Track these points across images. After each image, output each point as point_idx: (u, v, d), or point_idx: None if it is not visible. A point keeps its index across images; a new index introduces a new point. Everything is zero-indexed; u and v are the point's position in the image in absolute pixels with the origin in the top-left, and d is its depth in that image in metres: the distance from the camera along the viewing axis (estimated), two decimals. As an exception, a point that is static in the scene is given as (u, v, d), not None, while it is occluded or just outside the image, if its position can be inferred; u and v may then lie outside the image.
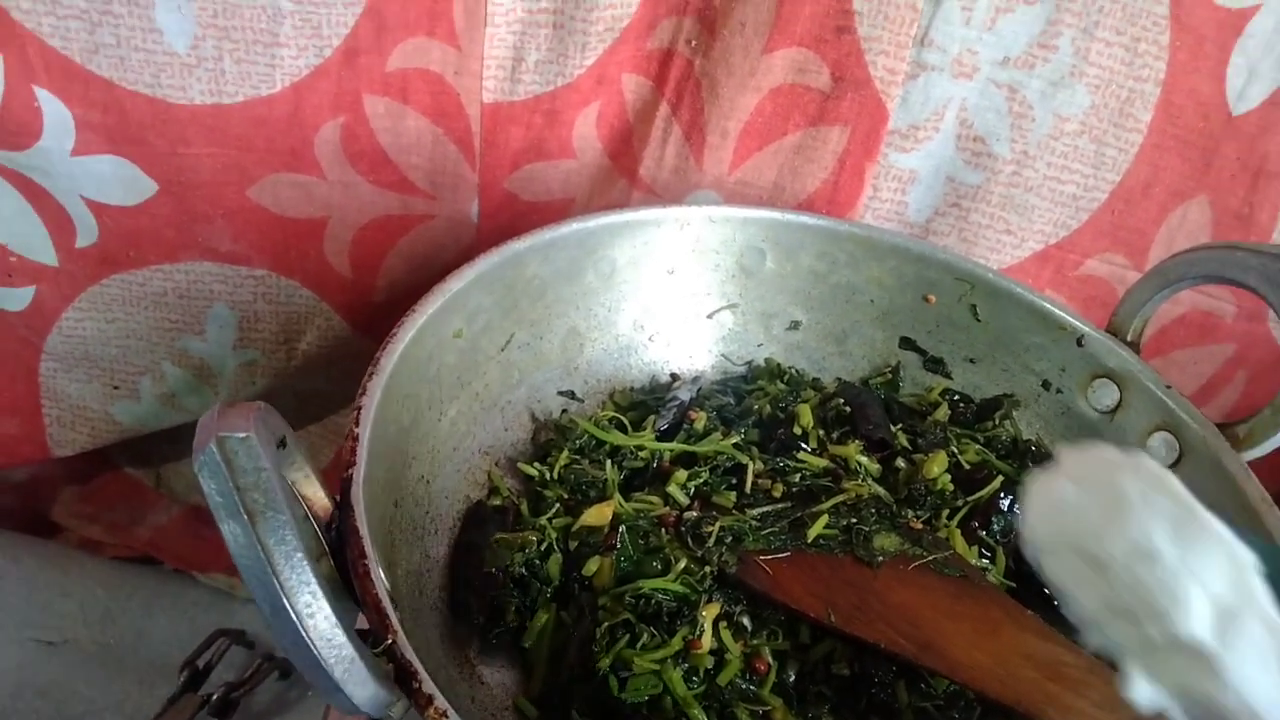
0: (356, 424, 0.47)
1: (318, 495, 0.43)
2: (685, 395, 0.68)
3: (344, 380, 0.83)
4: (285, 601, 0.33)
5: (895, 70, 0.72)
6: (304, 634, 0.34)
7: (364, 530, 0.41)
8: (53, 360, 0.78)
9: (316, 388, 0.83)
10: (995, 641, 0.50)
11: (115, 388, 0.80)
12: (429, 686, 0.37)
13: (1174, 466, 0.62)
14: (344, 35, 0.67)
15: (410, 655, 0.38)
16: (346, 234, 0.76)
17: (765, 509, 0.59)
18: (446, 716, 0.36)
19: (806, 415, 0.65)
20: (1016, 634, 0.51)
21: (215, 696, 0.73)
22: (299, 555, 0.34)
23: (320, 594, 0.34)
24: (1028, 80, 0.73)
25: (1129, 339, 0.67)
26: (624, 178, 0.78)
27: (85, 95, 0.65)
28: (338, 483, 0.44)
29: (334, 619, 0.34)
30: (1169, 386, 0.64)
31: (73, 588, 0.81)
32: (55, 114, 0.65)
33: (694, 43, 0.74)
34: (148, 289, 0.75)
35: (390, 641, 0.38)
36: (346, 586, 0.41)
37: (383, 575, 0.41)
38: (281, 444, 0.40)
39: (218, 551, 0.85)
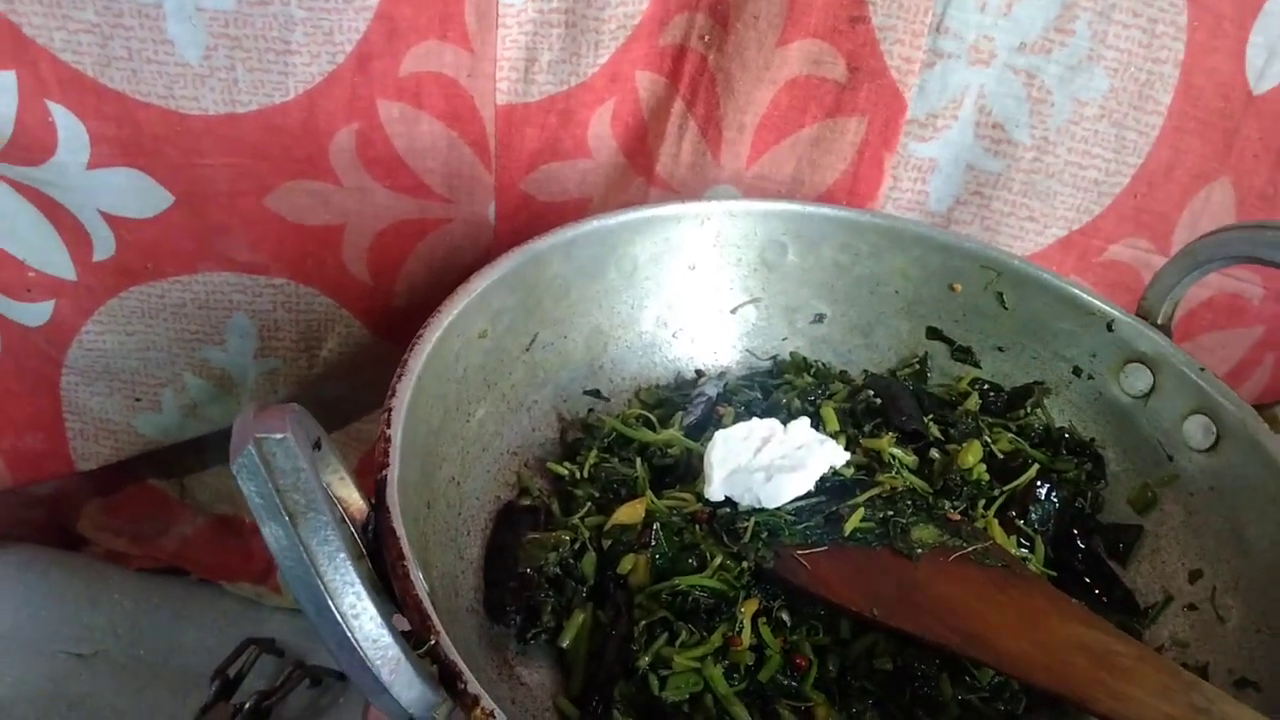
0: (388, 425, 0.46)
1: (353, 497, 0.43)
2: (712, 391, 0.67)
3: (366, 386, 0.83)
4: (330, 603, 0.33)
5: (911, 59, 0.71)
6: (350, 635, 0.33)
7: (401, 531, 0.41)
8: (74, 374, 0.78)
9: (339, 394, 0.83)
10: (1042, 631, 0.50)
11: (137, 400, 0.79)
12: (474, 687, 0.36)
13: (1212, 449, 0.62)
14: (356, 40, 0.67)
15: (454, 655, 0.37)
16: (364, 240, 0.76)
17: (800, 503, 0.58)
18: (493, 716, 0.36)
19: (831, 419, 0.65)
20: (1063, 623, 0.50)
21: (247, 705, 0.72)
22: (342, 556, 0.33)
23: (365, 594, 0.34)
24: (1045, 65, 0.73)
25: (1159, 322, 0.66)
26: (641, 176, 0.78)
27: (99, 108, 0.65)
28: (366, 487, 0.44)
29: (379, 619, 0.34)
30: (1204, 369, 0.63)
31: (101, 600, 0.80)
32: (69, 128, 0.65)
33: (707, 38, 0.73)
34: (167, 300, 0.75)
35: (434, 642, 0.38)
36: (385, 588, 0.40)
37: (421, 576, 0.41)
38: (316, 445, 0.39)
39: (245, 561, 0.85)
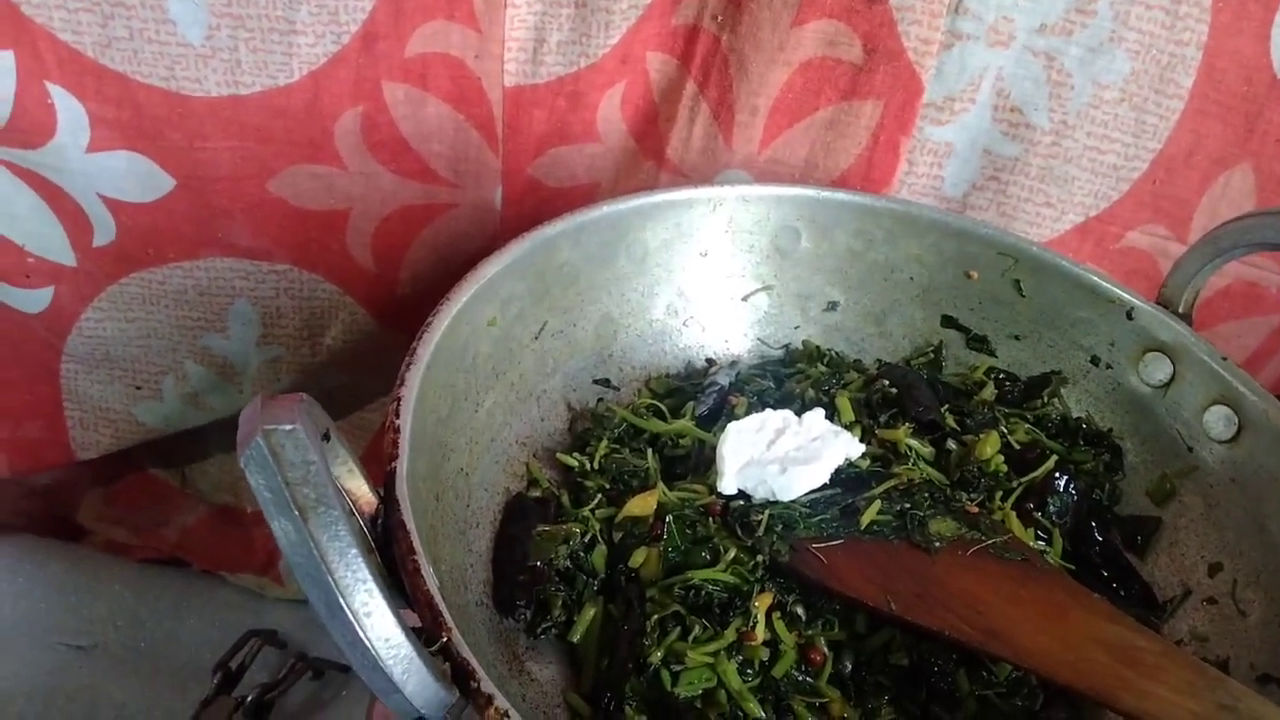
0: (397, 415, 0.45)
1: (361, 490, 0.42)
2: (724, 380, 0.66)
3: (370, 374, 0.82)
4: (341, 600, 0.32)
5: (929, 40, 0.70)
6: (361, 634, 0.32)
7: (411, 525, 0.40)
8: (73, 362, 0.77)
9: (342, 383, 0.82)
10: (1063, 626, 0.49)
11: (138, 388, 0.78)
12: (488, 686, 0.35)
13: (1233, 440, 0.61)
14: (362, 21, 0.66)
15: (467, 653, 0.36)
16: (369, 225, 0.75)
17: (815, 496, 0.57)
18: (508, 716, 0.35)
19: (847, 409, 0.63)
20: (1085, 618, 0.49)
21: (249, 699, 0.72)
22: (354, 552, 0.32)
23: (377, 592, 0.32)
24: (1066, 47, 0.71)
25: (1180, 311, 0.65)
26: (651, 159, 0.76)
27: (99, 90, 0.64)
28: (372, 477, 0.43)
29: (391, 617, 0.33)
30: (1225, 359, 0.62)
31: (101, 591, 0.80)
32: (69, 110, 0.64)
33: (720, 18, 0.72)
34: (168, 287, 0.74)
35: (445, 640, 0.37)
36: (394, 583, 0.39)
37: (432, 571, 0.39)
38: (325, 436, 0.38)
39: (247, 551, 0.84)
